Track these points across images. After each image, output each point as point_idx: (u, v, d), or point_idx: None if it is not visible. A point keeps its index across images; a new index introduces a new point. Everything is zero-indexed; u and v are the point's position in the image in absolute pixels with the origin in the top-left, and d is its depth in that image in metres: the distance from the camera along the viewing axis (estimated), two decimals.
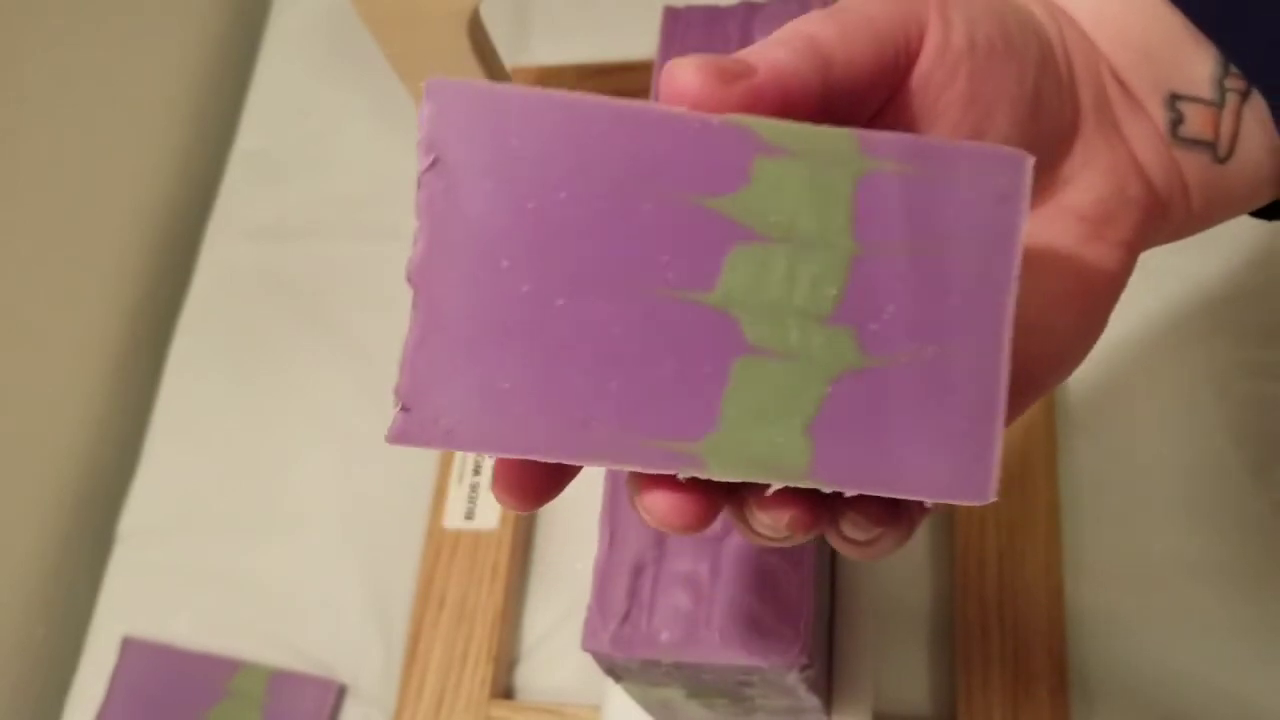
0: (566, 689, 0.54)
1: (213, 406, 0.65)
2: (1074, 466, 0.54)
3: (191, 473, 0.63)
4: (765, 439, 0.22)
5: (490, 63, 0.53)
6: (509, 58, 0.57)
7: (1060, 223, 0.26)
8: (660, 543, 0.37)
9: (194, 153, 0.75)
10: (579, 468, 0.23)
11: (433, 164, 0.22)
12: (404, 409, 0.22)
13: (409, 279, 0.22)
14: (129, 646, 0.58)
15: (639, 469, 0.22)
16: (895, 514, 0.24)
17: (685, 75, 0.22)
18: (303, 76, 0.74)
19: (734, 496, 0.23)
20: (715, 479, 0.22)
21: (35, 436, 0.63)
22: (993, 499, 0.22)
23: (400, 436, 0.22)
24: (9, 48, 0.62)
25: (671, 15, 0.47)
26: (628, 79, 0.65)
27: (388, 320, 0.65)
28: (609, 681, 0.40)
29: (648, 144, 0.22)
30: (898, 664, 0.51)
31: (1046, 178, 0.26)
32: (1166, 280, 0.57)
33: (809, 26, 0.23)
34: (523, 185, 0.22)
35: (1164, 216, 0.27)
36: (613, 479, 0.38)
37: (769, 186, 0.22)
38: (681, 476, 0.22)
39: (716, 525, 0.37)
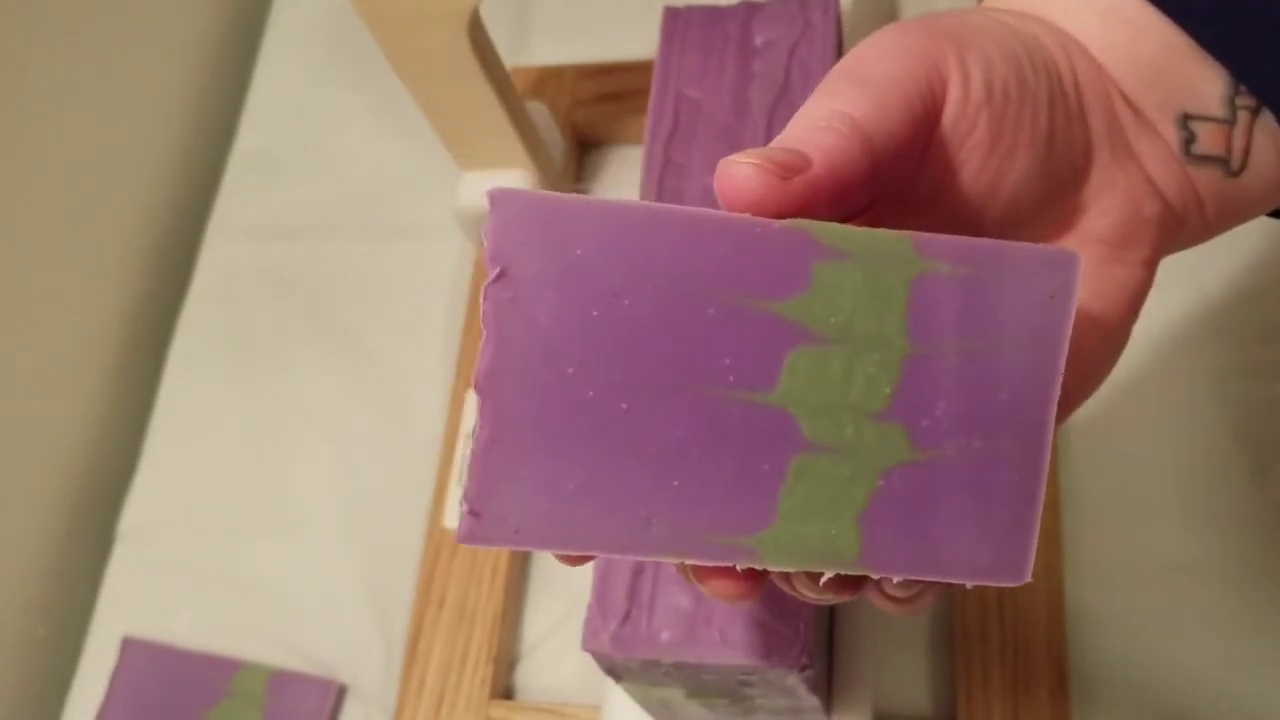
0: (566, 689, 0.54)
1: (213, 406, 0.65)
2: (1074, 466, 0.54)
3: (192, 472, 0.63)
4: (818, 531, 0.23)
5: (490, 63, 0.53)
6: (509, 58, 0.57)
7: (1081, 249, 0.27)
8: None
9: (194, 152, 0.75)
10: None
11: (499, 276, 0.22)
12: (472, 512, 0.23)
13: (475, 386, 0.23)
14: (129, 646, 0.58)
15: (697, 562, 0.23)
16: (934, 585, 0.25)
17: (745, 174, 0.22)
18: (303, 76, 0.74)
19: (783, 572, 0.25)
20: (770, 570, 0.23)
21: (35, 436, 0.63)
22: (1028, 580, 0.24)
23: (469, 537, 0.23)
24: (9, 48, 0.62)
25: (671, 15, 0.47)
26: (627, 79, 0.65)
27: (388, 319, 0.65)
28: (609, 681, 0.40)
29: (709, 250, 0.23)
30: (898, 664, 0.51)
31: (1066, 206, 0.27)
32: (1164, 281, 0.57)
33: (844, 105, 0.24)
34: (586, 293, 0.23)
35: (1180, 229, 0.28)
36: None
37: (827, 290, 0.23)
38: (739, 568, 0.23)
39: None
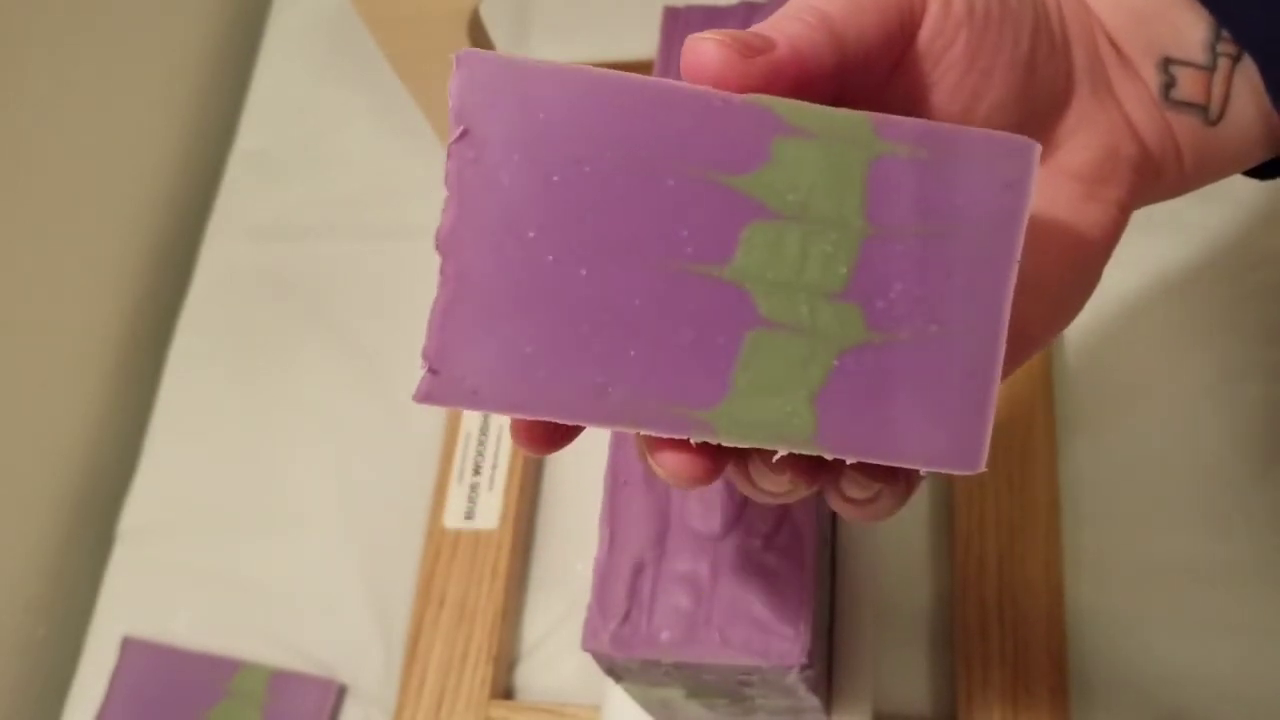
0: (566, 689, 0.54)
1: (213, 406, 0.65)
2: (1074, 466, 0.54)
3: (192, 472, 0.63)
4: (773, 408, 0.23)
5: None
6: None
7: (1055, 183, 0.27)
8: (660, 542, 0.37)
9: (194, 152, 0.75)
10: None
11: (462, 134, 0.23)
12: (431, 370, 0.23)
13: (437, 246, 0.23)
14: (129, 646, 0.59)
15: (653, 433, 0.23)
16: (893, 473, 0.25)
17: (707, 50, 0.23)
18: (303, 76, 0.74)
19: (739, 454, 0.24)
20: (724, 444, 0.23)
21: (35, 436, 0.63)
22: (982, 469, 0.23)
23: (427, 396, 0.23)
24: (10, 48, 0.62)
25: (671, 15, 0.47)
26: None
27: (388, 319, 0.65)
28: (609, 681, 0.40)
29: (671, 121, 0.23)
30: (898, 664, 0.51)
31: (1042, 139, 0.27)
32: (1165, 280, 0.57)
33: (818, 1, 0.24)
34: (549, 158, 0.23)
35: (1157, 176, 0.28)
36: (613, 479, 0.39)
37: (787, 166, 0.23)
38: (693, 441, 0.23)
39: (716, 525, 0.37)
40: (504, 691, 0.55)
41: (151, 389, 0.67)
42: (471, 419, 0.59)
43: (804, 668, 0.36)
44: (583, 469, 0.59)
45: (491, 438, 0.58)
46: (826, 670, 0.44)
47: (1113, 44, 0.27)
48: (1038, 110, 0.27)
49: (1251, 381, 0.54)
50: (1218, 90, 0.27)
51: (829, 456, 0.23)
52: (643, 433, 0.23)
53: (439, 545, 0.56)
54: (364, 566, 0.59)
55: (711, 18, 0.48)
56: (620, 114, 0.23)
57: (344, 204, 0.69)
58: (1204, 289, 0.56)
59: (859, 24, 0.24)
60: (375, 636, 0.57)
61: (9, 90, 0.62)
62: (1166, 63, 0.27)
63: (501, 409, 0.23)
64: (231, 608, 0.59)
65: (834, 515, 0.44)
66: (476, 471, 0.58)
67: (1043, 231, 0.27)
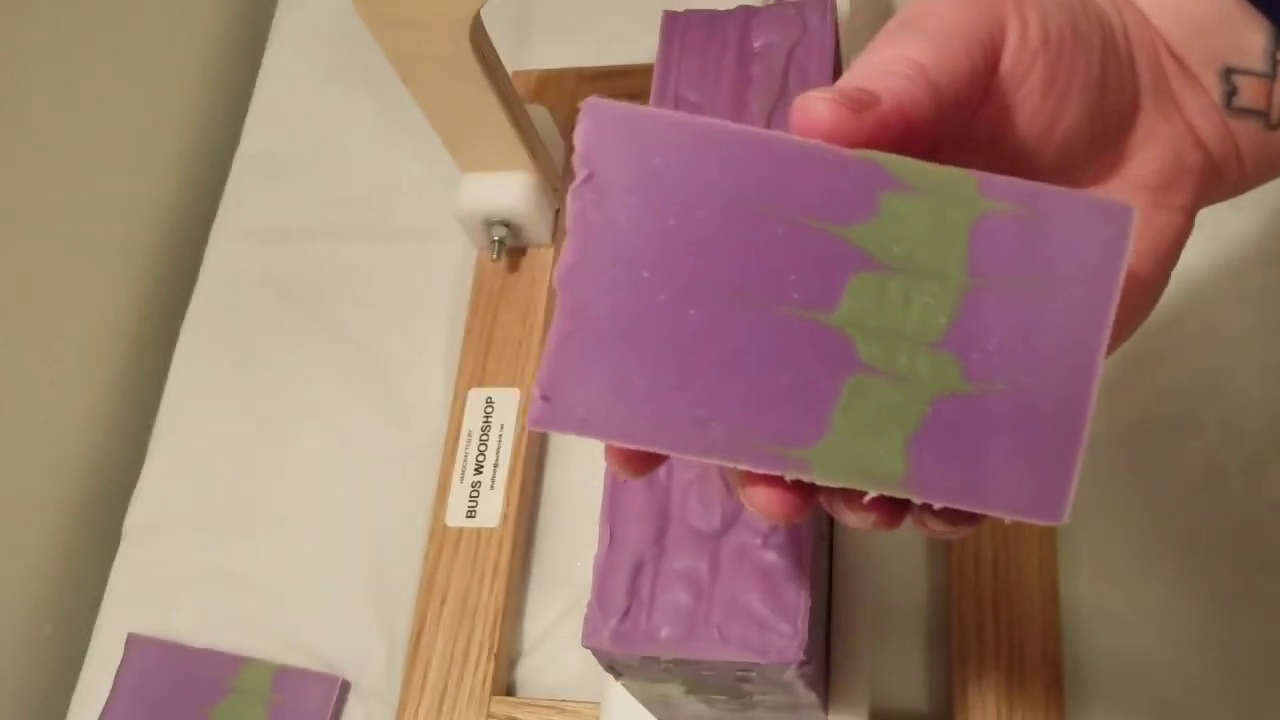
0: (567, 685, 0.54)
1: (217, 405, 0.66)
2: None
3: (196, 470, 0.64)
4: (868, 451, 0.24)
5: (492, 66, 0.53)
6: (510, 61, 0.57)
7: (1127, 193, 0.28)
8: (660, 540, 0.38)
9: (199, 154, 0.75)
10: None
11: (587, 178, 0.24)
12: (544, 398, 0.24)
13: (556, 283, 0.24)
14: (134, 643, 0.59)
15: (750, 468, 0.24)
16: (974, 516, 0.25)
17: (818, 108, 0.24)
18: (307, 79, 0.75)
19: (828, 491, 0.25)
20: (818, 483, 0.24)
21: (42, 434, 0.64)
22: (1065, 520, 0.24)
23: (539, 422, 0.24)
24: (15, 51, 0.62)
25: (671, 19, 0.48)
26: (628, 82, 0.65)
27: (391, 320, 0.65)
28: (609, 678, 0.40)
29: (783, 172, 0.24)
30: (894, 660, 0.52)
31: (1113, 152, 0.28)
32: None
33: (908, 51, 0.25)
34: (665, 202, 0.24)
35: (1218, 179, 0.29)
36: (613, 478, 0.39)
37: (894, 220, 0.24)
38: (788, 479, 0.24)
39: (715, 523, 0.37)
40: (505, 688, 0.55)
41: (157, 389, 0.67)
42: (473, 418, 0.59)
43: (802, 664, 0.36)
44: (583, 468, 0.59)
45: (493, 437, 0.58)
46: (824, 667, 0.44)
47: (1174, 56, 0.28)
48: (1109, 126, 0.28)
49: (1238, 381, 0.55)
50: (1278, 96, 0.28)
51: (917, 500, 0.24)
52: (740, 467, 0.24)
53: (441, 543, 0.57)
54: (367, 564, 0.59)
55: (711, 21, 0.48)
56: (734, 163, 0.24)
57: (347, 206, 0.70)
58: (1201, 289, 0.57)
59: (951, 68, 0.25)
60: (378, 633, 0.58)
61: (14, 93, 0.62)
62: (1228, 72, 0.28)
63: (609, 437, 0.24)
64: (236, 605, 0.60)
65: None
66: (478, 470, 0.58)
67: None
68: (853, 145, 0.24)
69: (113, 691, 0.58)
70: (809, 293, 0.24)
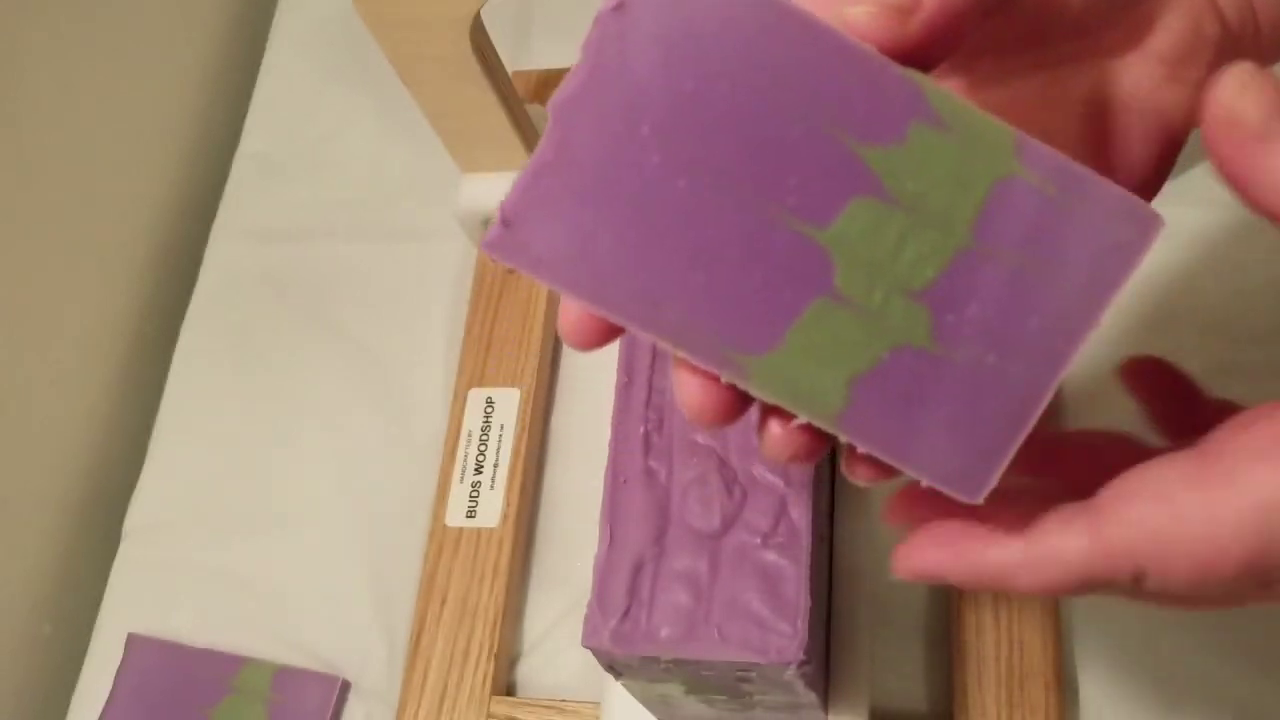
0: (567, 685, 0.55)
1: (217, 405, 0.66)
2: None
3: (197, 470, 0.64)
4: (812, 377, 0.23)
5: (492, 66, 0.53)
6: (511, 61, 0.57)
7: (1143, 65, 0.28)
8: (659, 540, 0.38)
9: (199, 155, 0.75)
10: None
11: (617, 7, 0.22)
12: (504, 223, 0.22)
13: (550, 107, 0.22)
14: (134, 643, 0.59)
15: (689, 359, 0.23)
16: (892, 470, 0.25)
17: (860, 21, 0.23)
18: (306, 80, 0.75)
19: (760, 403, 0.25)
20: (751, 393, 0.23)
21: (42, 434, 0.64)
22: (979, 502, 0.24)
23: (492, 246, 0.23)
24: (14, 50, 0.62)
25: None
26: None
27: (391, 320, 0.66)
28: (609, 678, 0.40)
29: (823, 70, 0.22)
30: (895, 660, 0.52)
31: (1130, 20, 0.27)
32: (1162, 281, 0.57)
33: None
34: (689, 65, 0.22)
35: (1234, 52, 0.28)
36: (613, 478, 0.39)
37: (918, 154, 0.23)
38: (724, 380, 0.23)
39: (715, 523, 0.37)
40: (505, 688, 0.55)
41: (157, 389, 0.67)
42: (473, 418, 0.59)
43: (802, 664, 0.36)
44: (583, 468, 0.59)
45: (493, 437, 0.59)
46: (824, 666, 0.44)
47: None
48: None
49: (1247, 382, 0.55)
50: None
51: (844, 439, 0.24)
52: (680, 355, 0.23)
53: (441, 543, 0.57)
54: (367, 564, 0.59)
55: None
56: (773, 39, 0.22)
57: (347, 206, 0.70)
58: (1199, 290, 0.57)
59: None
60: (378, 634, 0.58)
61: (14, 92, 0.62)
62: None
63: (557, 284, 0.23)
64: (236, 605, 0.60)
65: (831, 513, 0.45)
66: (478, 471, 0.58)
67: (1131, 112, 0.27)
68: (899, 58, 0.22)
69: (113, 691, 0.58)
70: (806, 202, 0.22)
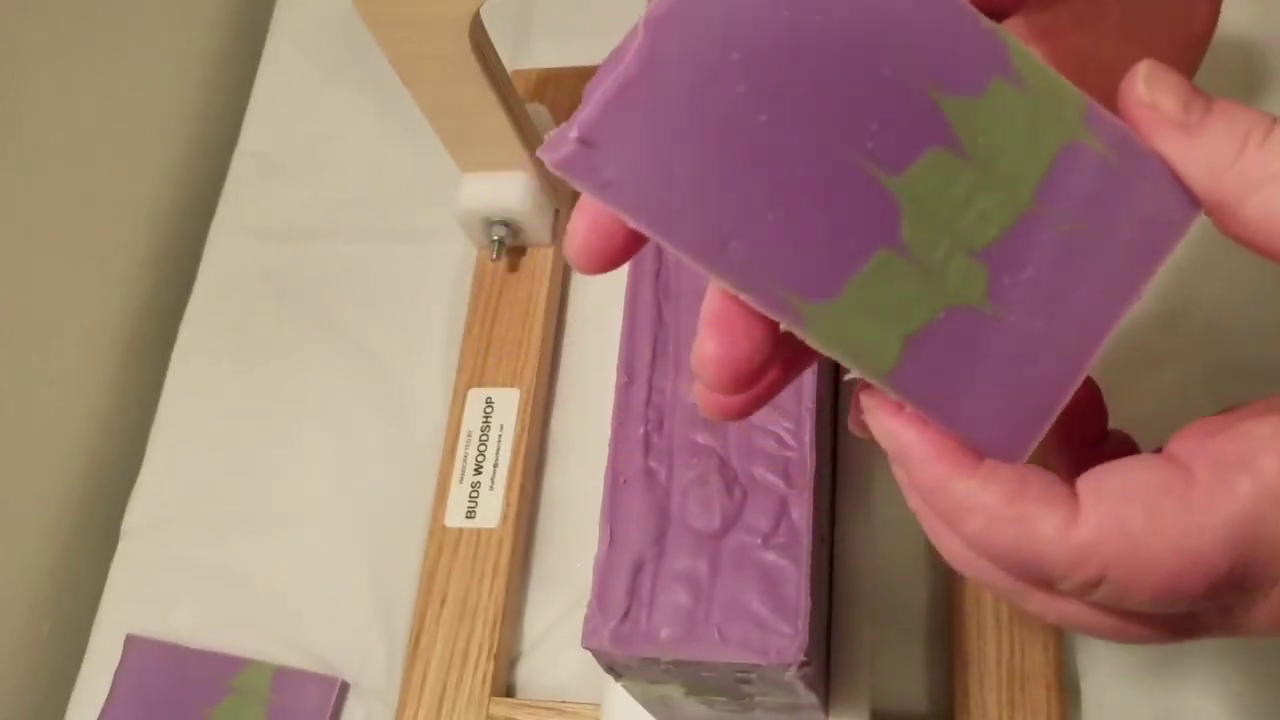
0: (567, 686, 0.54)
1: (216, 405, 0.65)
2: None
3: (195, 470, 0.64)
4: (867, 330, 0.23)
5: (491, 65, 0.53)
6: (510, 60, 0.57)
7: (1104, 29, 0.28)
8: (659, 541, 0.38)
9: (198, 154, 0.75)
10: (644, 242, 0.23)
11: None
12: (580, 140, 0.21)
13: (643, 22, 0.21)
14: (133, 643, 0.59)
15: (750, 300, 0.22)
16: (924, 423, 0.25)
17: None
18: (305, 79, 0.75)
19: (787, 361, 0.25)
20: (807, 341, 0.23)
21: (40, 433, 0.64)
22: (1020, 463, 0.24)
23: (564, 164, 0.21)
24: (14, 51, 0.62)
25: None
26: None
27: (390, 320, 0.65)
28: (609, 679, 0.40)
29: (915, 13, 0.22)
30: (895, 661, 0.52)
31: None
32: (1162, 282, 0.57)
33: None
34: None
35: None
36: (613, 478, 0.39)
37: (994, 109, 0.23)
38: (783, 327, 0.23)
39: (715, 524, 0.37)
40: (505, 689, 0.55)
41: (155, 388, 0.67)
42: (473, 418, 0.59)
43: (802, 665, 0.36)
44: (583, 468, 0.59)
45: (492, 437, 0.58)
46: (824, 668, 0.44)
47: None
48: None
49: (1246, 382, 0.55)
50: None
51: (893, 396, 0.23)
52: (741, 295, 0.23)
53: (440, 544, 0.57)
54: (366, 565, 0.59)
55: None
56: None
57: (346, 206, 0.70)
58: (1198, 290, 0.57)
59: None
60: (377, 634, 0.57)
61: (13, 91, 0.62)
62: None
63: (625, 210, 0.22)
64: (235, 606, 0.59)
65: (832, 514, 0.45)
66: (478, 471, 0.58)
67: (1158, 18, 0.28)
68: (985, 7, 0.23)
69: (111, 692, 0.58)
70: (883, 146, 0.22)
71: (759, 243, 0.22)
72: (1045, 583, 0.24)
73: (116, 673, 0.58)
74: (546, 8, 0.73)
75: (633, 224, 0.22)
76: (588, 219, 0.23)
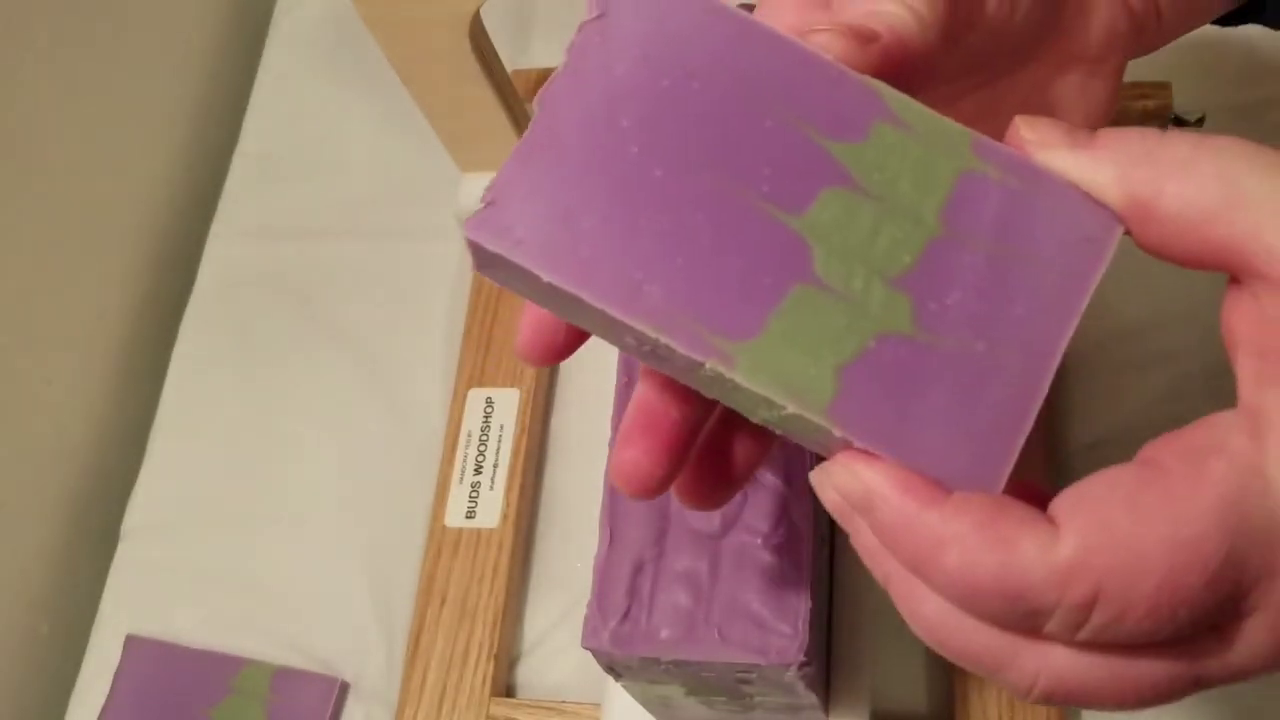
0: (567, 687, 0.54)
1: (216, 405, 0.65)
2: (1069, 462, 0.54)
3: (195, 471, 0.64)
4: (799, 364, 0.23)
5: (491, 65, 0.53)
6: (510, 60, 0.57)
7: (1070, 68, 0.31)
8: (659, 541, 0.38)
9: (197, 154, 0.75)
10: (588, 335, 0.25)
11: (598, 17, 0.24)
12: (489, 204, 0.23)
13: (537, 101, 0.24)
14: (133, 644, 0.59)
15: (672, 344, 0.23)
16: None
17: (823, 39, 0.24)
18: (305, 79, 0.75)
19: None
20: (739, 381, 0.23)
21: (40, 434, 0.64)
22: (1000, 491, 0.23)
23: (476, 228, 0.23)
24: (13, 50, 0.62)
25: None
26: None
27: (390, 320, 0.65)
28: (609, 679, 0.40)
29: (789, 71, 0.24)
30: (896, 662, 0.52)
31: (1058, 34, 0.30)
32: (1161, 282, 0.57)
33: None
34: (666, 64, 0.24)
35: (1140, 38, 0.32)
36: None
37: (882, 149, 0.24)
38: (708, 368, 0.23)
39: (715, 524, 0.37)
40: (505, 689, 0.55)
41: (155, 389, 0.67)
42: (473, 418, 0.59)
43: (802, 665, 0.36)
44: (583, 468, 0.59)
45: (492, 437, 0.58)
46: (824, 668, 0.44)
47: None
48: (1056, 5, 0.29)
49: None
50: None
51: (837, 433, 0.23)
52: (663, 340, 0.23)
53: (440, 544, 0.57)
54: (366, 565, 0.59)
55: None
56: (742, 48, 0.24)
57: (346, 205, 0.70)
58: (1198, 290, 0.57)
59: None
60: (377, 634, 0.57)
61: (11, 91, 0.62)
62: None
63: (538, 267, 0.23)
64: (234, 606, 0.59)
65: None
66: (478, 471, 0.58)
67: (1059, 112, 0.30)
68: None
69: (111, 692, 0.58)
70: (780, 190, 0.23)
71: (673, 286, 0.23)
72: (1033, 626, 0.22)
73: (116, 673, 0.58)
74: (546, 8, 0.73)
75: (547, 279, 0.23)
76: (532, 320, 0.26)
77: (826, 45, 0.24)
